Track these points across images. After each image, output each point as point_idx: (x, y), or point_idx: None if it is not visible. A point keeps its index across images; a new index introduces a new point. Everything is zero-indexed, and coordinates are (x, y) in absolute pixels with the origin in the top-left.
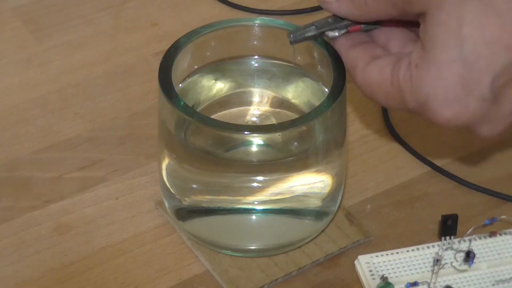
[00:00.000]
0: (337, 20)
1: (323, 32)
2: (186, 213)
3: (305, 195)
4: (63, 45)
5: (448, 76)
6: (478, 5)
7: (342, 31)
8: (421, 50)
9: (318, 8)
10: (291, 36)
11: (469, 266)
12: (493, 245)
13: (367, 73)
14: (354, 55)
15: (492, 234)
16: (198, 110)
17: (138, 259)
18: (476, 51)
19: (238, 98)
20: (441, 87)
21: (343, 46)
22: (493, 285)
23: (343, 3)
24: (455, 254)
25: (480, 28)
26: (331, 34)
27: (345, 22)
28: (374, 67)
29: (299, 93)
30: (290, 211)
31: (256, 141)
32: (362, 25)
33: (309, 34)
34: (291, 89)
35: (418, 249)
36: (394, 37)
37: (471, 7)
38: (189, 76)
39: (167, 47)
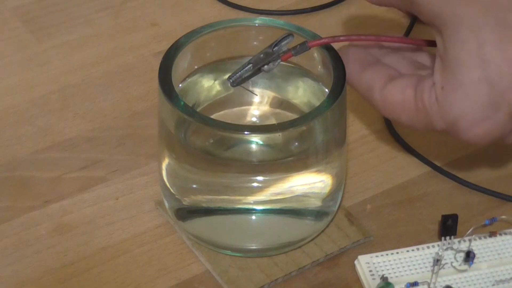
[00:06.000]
0: (268, 53)
1: (259, 68)
2: (186, 213)
3: (305, 195)
4: (63, 45)
5: (475, 96)
6: (494, 26)
7: (276, 62)
8: (444, 71)
9: (318, 8)
10: (231, 80)
11: (469, 266)
12: (493, 245)
13: (387, 93)
14: (369, 76)
15: (492, 234)
16: (198, 110)
17: (138, 259)
18: (499, 71)
19: (238, 98)
20: (470, 107)
21: (354, 71)
22: (493, 285)
23: None
24: (455, 254)
25: (500, 49)
26: (267, 68)
27: (276, 53)
28: (395, 88)
29: (299, 93)
30: (290, 211)
31: (256, 141)
32: (292, 52)
33: (247, 74)
34: (291, 89)
35: (418, 249)
36: (400, 61)
37: (488, 28)
38: (189, 76)
39: (167, 47)
